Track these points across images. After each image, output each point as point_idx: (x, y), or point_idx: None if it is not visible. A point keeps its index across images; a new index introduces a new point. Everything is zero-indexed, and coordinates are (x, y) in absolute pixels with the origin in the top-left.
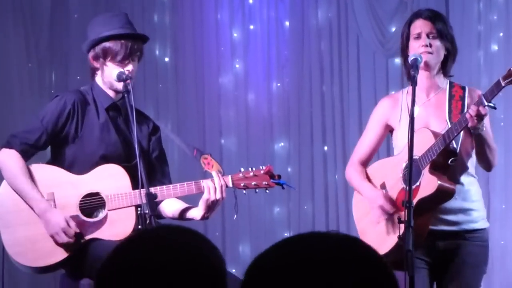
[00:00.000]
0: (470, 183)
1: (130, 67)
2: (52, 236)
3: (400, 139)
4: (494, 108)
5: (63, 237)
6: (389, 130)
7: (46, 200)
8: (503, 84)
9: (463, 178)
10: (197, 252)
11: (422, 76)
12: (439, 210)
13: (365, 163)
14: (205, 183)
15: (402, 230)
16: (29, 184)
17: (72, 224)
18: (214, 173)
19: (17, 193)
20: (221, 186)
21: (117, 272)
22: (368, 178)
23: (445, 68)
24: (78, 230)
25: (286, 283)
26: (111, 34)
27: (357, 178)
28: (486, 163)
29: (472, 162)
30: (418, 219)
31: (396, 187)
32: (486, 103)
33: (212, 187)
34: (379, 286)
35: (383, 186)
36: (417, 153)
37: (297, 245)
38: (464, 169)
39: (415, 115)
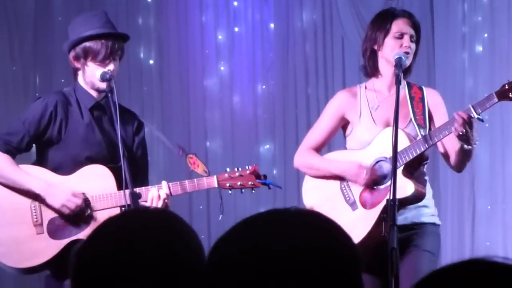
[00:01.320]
0: (425, 182)
1: (111, 67)
2: (62, 207)
3: (359, 134)
4: (482, 121)
5: (74, 202)
6: (343, 124)
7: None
8: (496, 99)
9: (422, 177)
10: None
11: (388, 72)
12: None
13: (317, 152)
14: (151, 192)
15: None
16: (21, 171)
17: (75, 192)
18: (163, 183)
19: (9, 186)
20: (165, 197)
21: (96, 262)
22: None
23: (407, 70)
24: (83, 196)
25: (250, 262)
26: (90, 34)
27: (318, 159)
28: (460, 169)
29: (448, 160)
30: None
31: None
32: (475, 115)
33: (156, 196)
34: (343, 257)
35: (343, 179)
36: (386, 153)
37: (258, 223)
38: (422, 171)
39: (375, 110)
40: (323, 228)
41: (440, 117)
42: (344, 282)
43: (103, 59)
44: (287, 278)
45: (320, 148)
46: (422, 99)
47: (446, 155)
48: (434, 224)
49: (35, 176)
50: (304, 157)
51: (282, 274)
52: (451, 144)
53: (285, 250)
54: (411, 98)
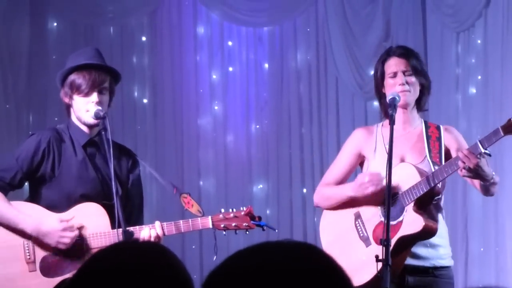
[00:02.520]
0: (441, 220)
1: (94, 98)
2: (57, 244)
3: (375, 170)
4: (489, 155)
5: (69, 236)
6: (360, 161)
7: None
8: (502, 134)
9: (435, 214)
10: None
11: (398, 111)
12: None
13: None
14: (143, 232)
15: (379, 266)
16: (12, 209)
17: (65, 221)
18: (157, 223)
19: (2, 224)
20: (156, 237)
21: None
22: (339, 206)
23: (419, 103)
24: (76, 225)
25: None
26: (72, 66)
27: (334, 187)
28: (488, 195)
29: (442, 199)
30: (397, 256)
31: (373, 219)
32: (482, 150)
33: (147, 236)
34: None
35: (357, 215)
36: (399, 189)
37: (250, 256)
38: (438, 206)
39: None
40: (317, 260)
41: (456, 150)
42: None
43: (87, 91)
44: None
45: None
46: (439, 138)
47: (472, 184)
48: (450, 268)
49: (28, 215)
50: (320, 192)
51: None
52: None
53: (278, 282)
54: (428, 137)
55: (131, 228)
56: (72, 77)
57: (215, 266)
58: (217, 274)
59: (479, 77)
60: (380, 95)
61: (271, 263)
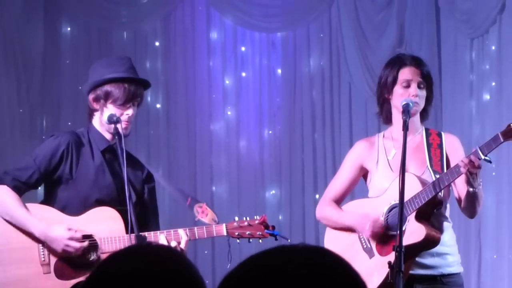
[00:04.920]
0: (446, 228)
1: (130, 111)
2: (63, 251)
3: (377, 182)
4: (490, 162)
5: (74, 246)
6: (363, 173)
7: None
8: (502, 139)
9: (440, 223)
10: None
11: (400, 120)
12: None
13: (338, 203)
14: (166, 236)
15: (384, 274)
16: (24, 211)
17: (73, 230)
18: (181, 231)
19: (12, 223)
20: (185, 242)
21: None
22: None
23: (423, 114)
24: (82, 233)
25: None
26: (114, 77)
27: (335, 211)
28: (471, 213)
29: (447, 208)
30: None
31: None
32: (482, 157)
33: (172, 240)
34: None
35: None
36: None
37: (264, 260)
38: (442, 215)
39: (391, 158)
40: (331, 264)
41: (456, 162)
42: None
43: (124, 103)
44: None
45: (341, 199)
46: (440, 145)
47: (459, 200)
48: (459, 274)
49: (38, 220)
50: (323, 210)
51: None
52: (463, 187)
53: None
54: (429, 145)
55: (150, 233)
56: (110, 87)
57: (229, 270)
58: (232, 278)
59: (493, 84)
60: (384, 100)
61: (286, 267)
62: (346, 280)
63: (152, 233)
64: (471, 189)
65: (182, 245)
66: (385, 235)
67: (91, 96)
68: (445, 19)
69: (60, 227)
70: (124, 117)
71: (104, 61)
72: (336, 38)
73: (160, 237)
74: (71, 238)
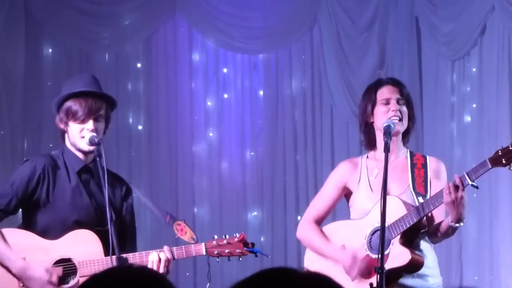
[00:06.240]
0: (427, 250)
1: (90, 125)
2: None
3: (359, 203)
4: (477, 187)
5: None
6: (345, 193)
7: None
8: (490, 166)
9: (422, 245)
10: None
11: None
12: None
13: (319, 223)
14: (151, 256)
15: None
16: (2, 244)
17: (54, 274)
18: (165, 248)
19: None
20: (166, 261)
21: None
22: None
23: (405, 136)
24: (60, 257)
25: None
26: (69, 93)
27: (318, 237)
28: (436, 241)
29: (428, 230)
30: None
31: (359, 253)
32: (469, 182)
33: (157, 260)
34: None
35: (343, 249)
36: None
37: (268, 280)
38: (423, 237)
39: (374, 177)
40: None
41: (437, 186)
42: None
43: (83, 118)
44: None
45: (322, 219)
46: (424, 165)
47: (430, 222)
48: None
49: (17, 258)
50: (305, 232)
51: None
52: (439, 214)
53: None
54: (412, 165)
55: (129, 255)
56: (69, 103)
57: (234, 284)
58: None
59: (474, 105)
60: (366, 124)
61: None
62: None
63: (144, 252)
64: (455, 225)
65: (161, 267)
66: (369, 257)
67: (57, 118)
68: (426, 41)
69: (39, 267)
70: (84, 133)
71: (68, 81)
72: (318, 60)
73: (144, 259)
74: (49, 282)
